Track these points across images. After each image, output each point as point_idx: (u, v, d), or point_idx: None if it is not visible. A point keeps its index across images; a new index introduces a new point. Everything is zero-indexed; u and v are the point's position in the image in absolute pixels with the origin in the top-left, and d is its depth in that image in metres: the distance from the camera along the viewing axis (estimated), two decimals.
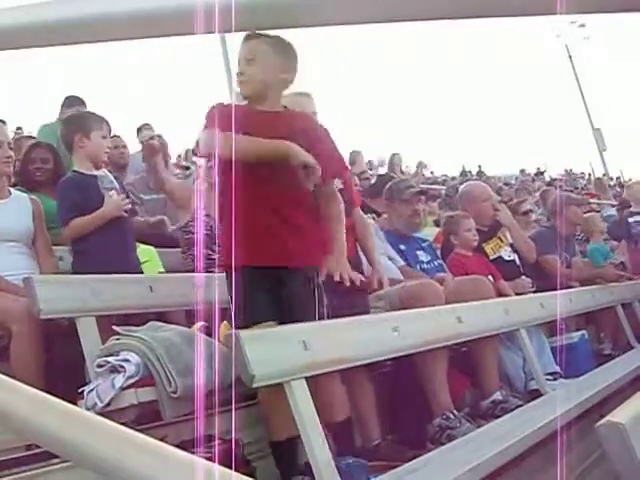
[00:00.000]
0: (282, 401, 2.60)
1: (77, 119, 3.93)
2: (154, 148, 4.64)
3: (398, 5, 0.62)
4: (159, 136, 5.68)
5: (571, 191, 9.97)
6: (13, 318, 3.06)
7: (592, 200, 9.84)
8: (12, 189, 3.82)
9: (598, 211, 8.80)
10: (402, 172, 9.92)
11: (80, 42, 0.86)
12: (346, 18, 0.67)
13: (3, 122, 8.74)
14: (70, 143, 3.77)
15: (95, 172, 3.77)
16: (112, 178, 3.78)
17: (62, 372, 3.10)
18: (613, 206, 9.93)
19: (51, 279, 3.33)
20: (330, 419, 2.84)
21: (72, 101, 5.84)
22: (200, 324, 3.22)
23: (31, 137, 5.73)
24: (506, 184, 14.21)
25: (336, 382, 2.94)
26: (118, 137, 5.35)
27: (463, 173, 18.01)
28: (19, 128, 12.54)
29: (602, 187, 13.15)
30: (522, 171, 19.55)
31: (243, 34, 2.78)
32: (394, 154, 10.80)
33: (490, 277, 4.45)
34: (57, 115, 6.08)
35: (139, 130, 7.62)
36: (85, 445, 0.73)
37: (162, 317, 3.42)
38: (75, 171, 3.73)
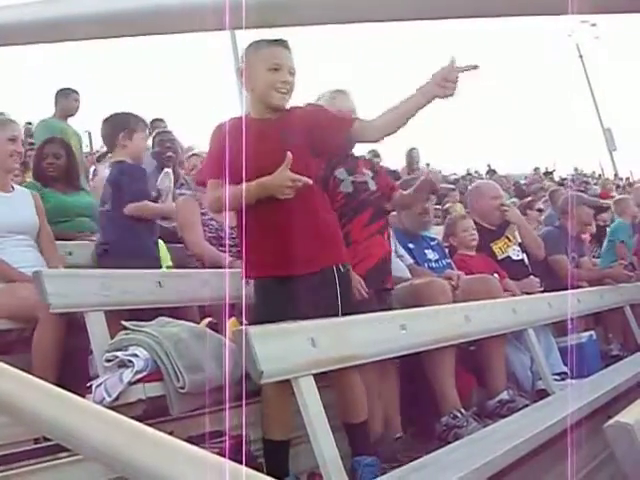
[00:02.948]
0: (284, 401, 2.62)
1: (121, 119, 3.98)
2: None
3: (415, 3, 0.63)
4: (170, 139, 5.70)
5: (583, 191, 9.94)
6: (38, 308, 3.06)
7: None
8: (15, 185, 3.85)
9: None
10: (418, 169, 9.74)
11: (88, 38, 0.86)
12: (360, 16, 0.68)
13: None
14: (112, 140, 3.89)
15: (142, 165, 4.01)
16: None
17: (70, 366, 3.11)
18: None
19: (60, 273, 3.34)
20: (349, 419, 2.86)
21: (68, 92, 5.99)
22: (208, 320, 3.23)
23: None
24: (516, 183, 14.19)
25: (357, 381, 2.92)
26: None
27: (468, 174, 17.80)
28: (29, 123, 12.51)
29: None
30: (536, 169, 19.39)
31: (253, 32, 2.78)
32: (411, 149, 10.47)
33: (495, 275, 4.45)
34: (53, 106, 6.20)
35: (151, 124, 7.62)
36: (96, 438, 0.74)
37: (174, 313, 3.43)
38: (122, 161, 3.86)
